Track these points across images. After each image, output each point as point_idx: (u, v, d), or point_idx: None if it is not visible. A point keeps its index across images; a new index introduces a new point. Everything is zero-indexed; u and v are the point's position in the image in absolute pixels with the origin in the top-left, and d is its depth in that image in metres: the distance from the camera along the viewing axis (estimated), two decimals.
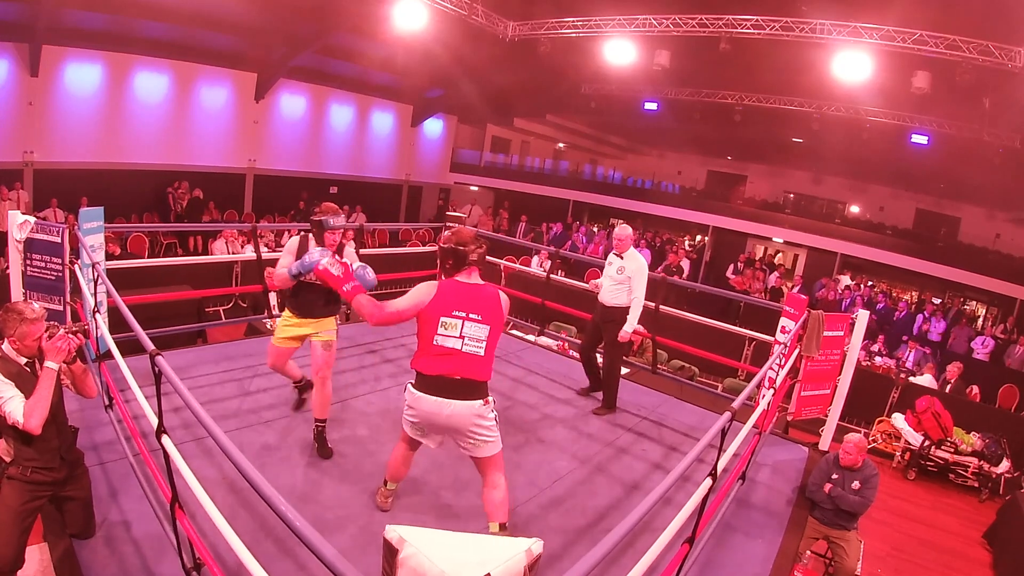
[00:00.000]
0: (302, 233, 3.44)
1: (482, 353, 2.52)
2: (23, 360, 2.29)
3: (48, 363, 2.23)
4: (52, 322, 2.38)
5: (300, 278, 3.23)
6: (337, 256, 3.13)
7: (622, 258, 4.27)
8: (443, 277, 2.63)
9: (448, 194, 18.78)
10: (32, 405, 2.17)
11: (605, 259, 4.52)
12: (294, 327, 3.38)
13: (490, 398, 2.55)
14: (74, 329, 2.34)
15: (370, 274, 3.25)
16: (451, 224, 6.22)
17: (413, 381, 2.55)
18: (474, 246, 2.57)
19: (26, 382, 2.23)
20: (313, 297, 3.33)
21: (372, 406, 3.95)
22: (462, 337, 2.48)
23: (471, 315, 2.49)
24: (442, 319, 2.47)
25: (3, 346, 2.29)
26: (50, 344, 2.24)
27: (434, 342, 2.47)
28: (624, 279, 4.22)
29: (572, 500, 3.20)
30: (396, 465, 2.80)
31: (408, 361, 4.79)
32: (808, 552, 3.70)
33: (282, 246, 11.84)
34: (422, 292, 2.51)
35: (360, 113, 15.68)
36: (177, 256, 10.28)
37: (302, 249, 3.33)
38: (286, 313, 3.43)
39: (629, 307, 4.22)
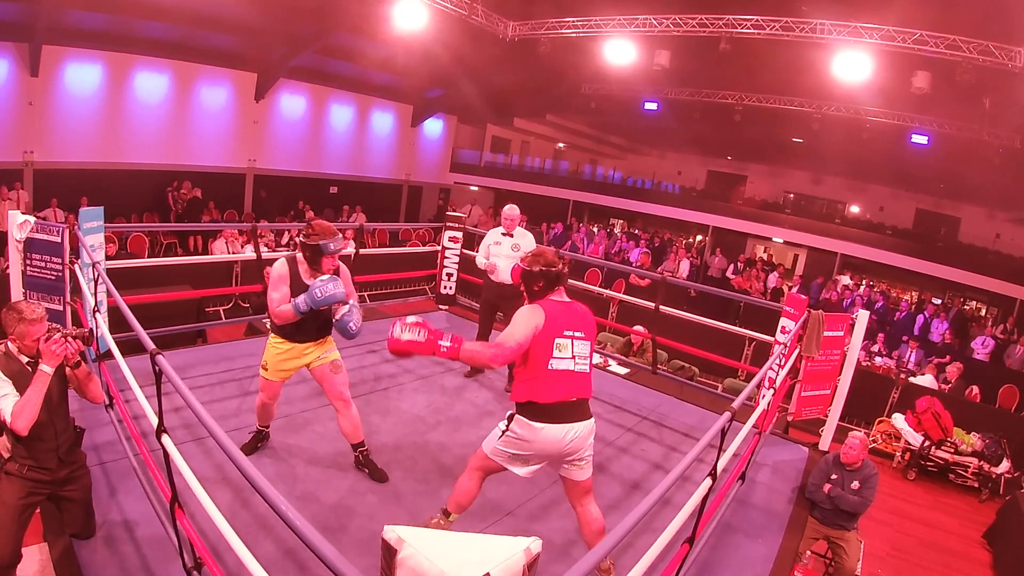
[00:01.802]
0: (290, 255, 3.00)
1: (588, 370, 2.47)
2: (25, 359, 2.29)
3: (42, 366, 2.21)
4: (55, 325, 2.37)
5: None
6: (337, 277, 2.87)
7: (513, 236, 4.48)
8: (529, 300, 2.52)
9: (448, 194, 18.79)
10: (20, 406, 2.15)
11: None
12: (292, 357, 3.00)
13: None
14: (73, 334, 2.30)
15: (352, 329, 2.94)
16: (452, 224, 6.22)
17: (520, 411, 2.40)
18: (561, 264, 2.51)
19: (26, 381, 2.22)
20: (310, 319, 2.92)
21: (372, 405, 3.95)
22: (574, 357, 2.41)
23: (576, 333, 2.44)
24: (556, 341, 2.38)
25: (9, 344, 2.29)
26: (45, 347, 2.22)
27: (549, 367, 2.36)
28: (518, 255, 4.37)
29: None
30: (467, 497, 2.60)
31: (408, 361, 4.84)
32: (808, 552, 3.70)
33: (283, 246, 11.84)
34: (534, 316, 2.38)
35: (360, 113, 15.68)
36: (177, 256, 10.29)
37: (294, 276, 2.91)
38: (277, 340, 2.98)
39: None
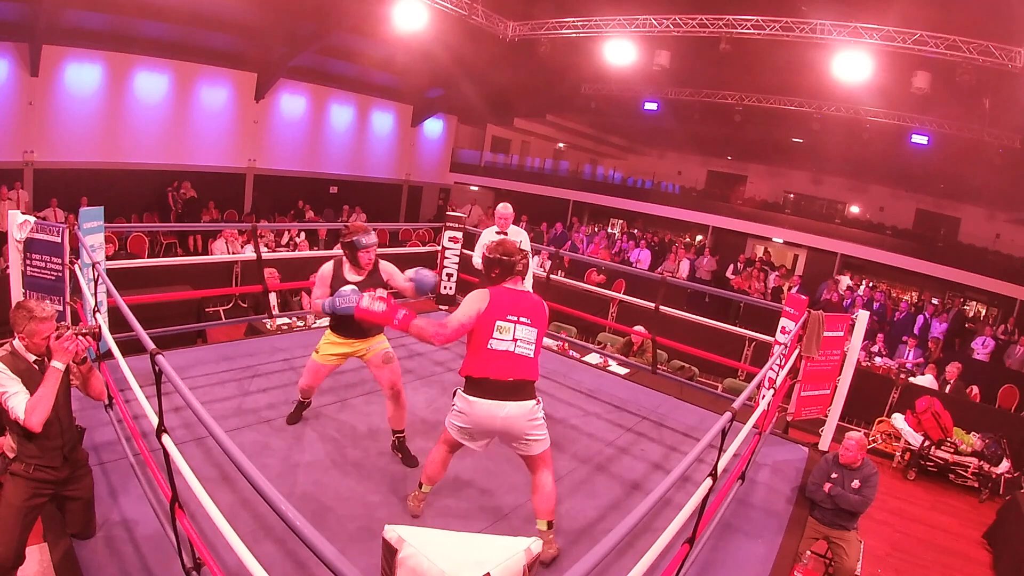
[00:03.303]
0: (338, 256, 3.32)
1: (532, 354, 2.61)
2: (32, 357, 2.31)
3: (54, 363, 2.25)
4: (64, 323, 2.39)
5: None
6: (376, 291, 3.08)
7: (507, 234, 4.53)
8: (486, 284, 2.71)
9: (448, 194, 18.78)
10: (34, 403, 2.18)
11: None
12: (341, 347, 3.29)
13: (539, 397, 2.63)
14: (83, 331, 2.34)
15: (428, 275, 3.24)
16: (452, 224, 6.22)
17: (463, 387, 2.60)
18: (519, 256, 2.68)
19: (33, 379, 2.25)
20: (357, 321, 3.24)
21: (371, 405, 3.95)
22: (515, 340, 2.56)
23: (522, 318, 2.59)
24: (497, 323, 2.55)
25: (15, 342, 2.31)
26: (57, 344, 2.25)
27: (488, 346, 2.54)
28: None
29: (572, 500, 3.19)
30: (435, 468, 2.80)
31: (408, 361, 4.85)
32: (808, 552, 3.70)
33: (283, 246, 11.87)
34: (477, 299, 2.59)
35: (360, 113, 15.68)
36: (177, 256, 10.29)
37: (336, 276, 3.24)
38: (331, 334, 3.32)
39: None
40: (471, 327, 2.56)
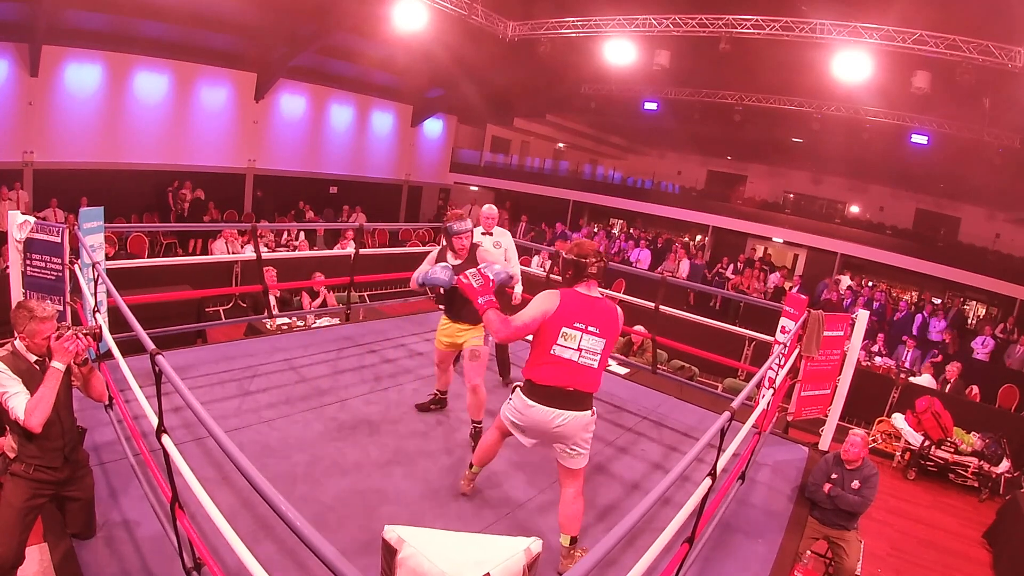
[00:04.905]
0: (443, 244, 3.61)
1: (596, 366, 2.54)
2: (33, 358, 2.31)
3: (54, 363, 2.24)
4: (65, 323, 2.39)
5: (427, 287, 3.44)
6: (477, 268, 3.17)
7: (492, 234, 4.59)
8: (560, 286, 2.66)
9: (448, 194, 18.79)
10: (34, 403, 2.18)
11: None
12: (448, 333, 3.59)
13: (595, 408, 2.59)
14: (84, 332, 2.34)
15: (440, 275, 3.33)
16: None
17: (522, 386, 2.59)
18: (594, 259, 2.55)
19: (34, 379, 2.25)
20: (461, 303, 3.42)
21: (371, 405, 3.95)
22: (580, 349, 2.49)
23: (590, 327, 2.50)
24: (563, 330, 2.48)
25: (16, 342, 2.30)
26: (57, 344, 2.25)
27: (551, 352, 2.48)
28: (502, 252, 4.58)
29: None
30: (487, 451, 2.88)
31: (408, 361, 4.86)
32: (808, 552, 3.70)
33: (283, 245, 11.91)
34: (546, 302, 2.50)
35: (360, 113, 15.68)
36: (177, 256, 10.29)
37: (440, 258, 3.52)
38: (443, 317, 3.63)
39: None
40: (534, 329, 2.49)
